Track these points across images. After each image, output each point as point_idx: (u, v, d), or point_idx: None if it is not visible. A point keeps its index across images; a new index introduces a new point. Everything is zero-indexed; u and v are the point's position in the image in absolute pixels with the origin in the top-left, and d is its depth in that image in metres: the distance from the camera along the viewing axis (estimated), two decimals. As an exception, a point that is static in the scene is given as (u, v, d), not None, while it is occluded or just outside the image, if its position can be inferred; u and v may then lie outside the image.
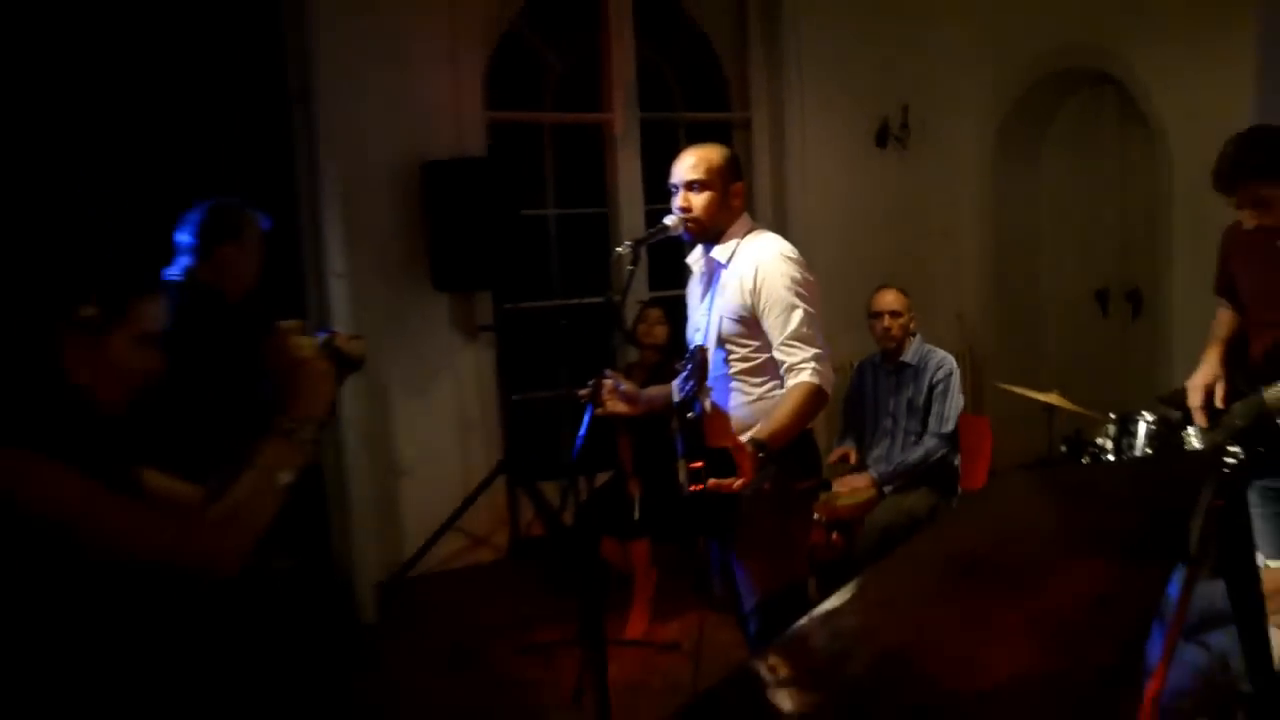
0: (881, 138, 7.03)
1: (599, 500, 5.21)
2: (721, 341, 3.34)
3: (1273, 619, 2.65)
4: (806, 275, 3.30)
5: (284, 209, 5.14)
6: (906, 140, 7.06)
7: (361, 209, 5.54)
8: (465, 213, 5.58)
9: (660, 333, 5.32)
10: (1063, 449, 5.14)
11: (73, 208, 3.24)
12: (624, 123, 6.46)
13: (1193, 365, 5.62)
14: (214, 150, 4.76)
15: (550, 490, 5.95)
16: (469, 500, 5.80)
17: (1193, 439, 3.70)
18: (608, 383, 3.41)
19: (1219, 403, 3.58)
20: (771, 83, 6.84)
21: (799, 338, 3.22)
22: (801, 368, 3.21)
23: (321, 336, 2.47)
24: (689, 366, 3.26)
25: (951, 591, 1.17)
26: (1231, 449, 3.50)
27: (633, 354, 5.64)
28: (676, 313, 5.20)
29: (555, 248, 6.50)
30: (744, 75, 6.90)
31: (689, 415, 3.33)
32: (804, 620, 1.08)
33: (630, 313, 5.60)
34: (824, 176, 6.87)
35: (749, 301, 3.26)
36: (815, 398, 3.21)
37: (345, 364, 2.42)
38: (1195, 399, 3.65)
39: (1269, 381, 3.40)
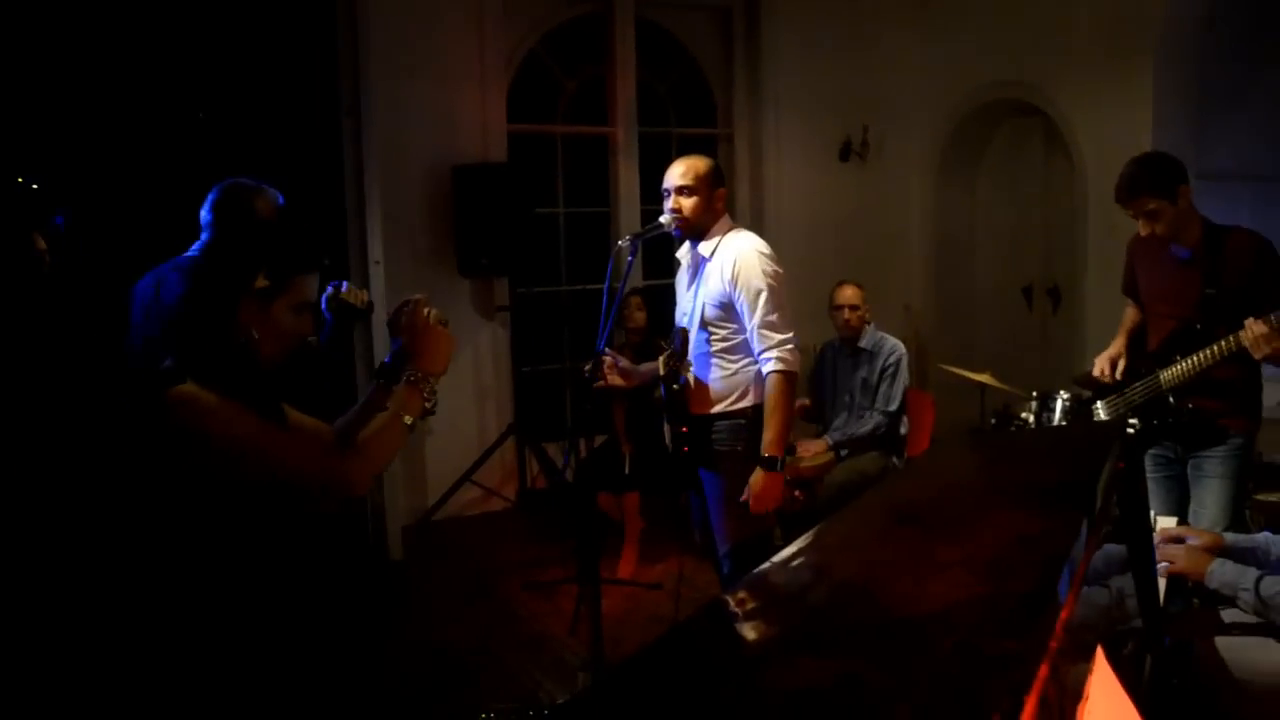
0: (844, 153, 7.05)
1: (596, 458, 5.25)
2: (704, 324, 3.39)
3: (1159, 568, 2.72)
4: (777, 269, 3.36)
5: (333, 206, 5.18)
6: (866, 156, 7.08)
7: (399, 206, 5.59)
8: (487, 210, 5.61)
9: (640, 318, 5.35)
10: (993, 421, 5.19)
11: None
12: (625, 135, 6.48)
13: (1102, 349, 5.72)
14: (274, 156, 4.77)
15: (553, 449, 6.01)
16: (484, 456, 5.85)
17: (1100, 412, 3.76)
18: (607, 360, 3.45)
19: (1119, 375, 3.63)
20: (751, 103, 6.86)
21: (769, 325, 3.28)
22: (769, 355, 3.28)
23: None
24: (675, 345, 3.31)
25: (897, 536, 1.22)
26: (1131, 421, 3.56)
27: (621, 335, 5.67)
28: (658, 300, 5.25)
29: (564, 241, 6.52)
30: (729, 96, 6.92)
31: (675, 386, 3.39)
32: (768, 562, 1.12)
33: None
34: (795, 185, 6.90)
35: (728, 290, 3.32)
36: (787, 384, 3.30)
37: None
38: (1101, 366, 3.71)
39: (1164, 365, 3.45)
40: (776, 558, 1.14)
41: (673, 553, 5.13)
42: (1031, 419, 4.60)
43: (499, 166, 5.86)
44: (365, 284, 5.20)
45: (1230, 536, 2.89)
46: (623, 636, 4.24)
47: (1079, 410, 4.43)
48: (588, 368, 3.46)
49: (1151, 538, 1.83)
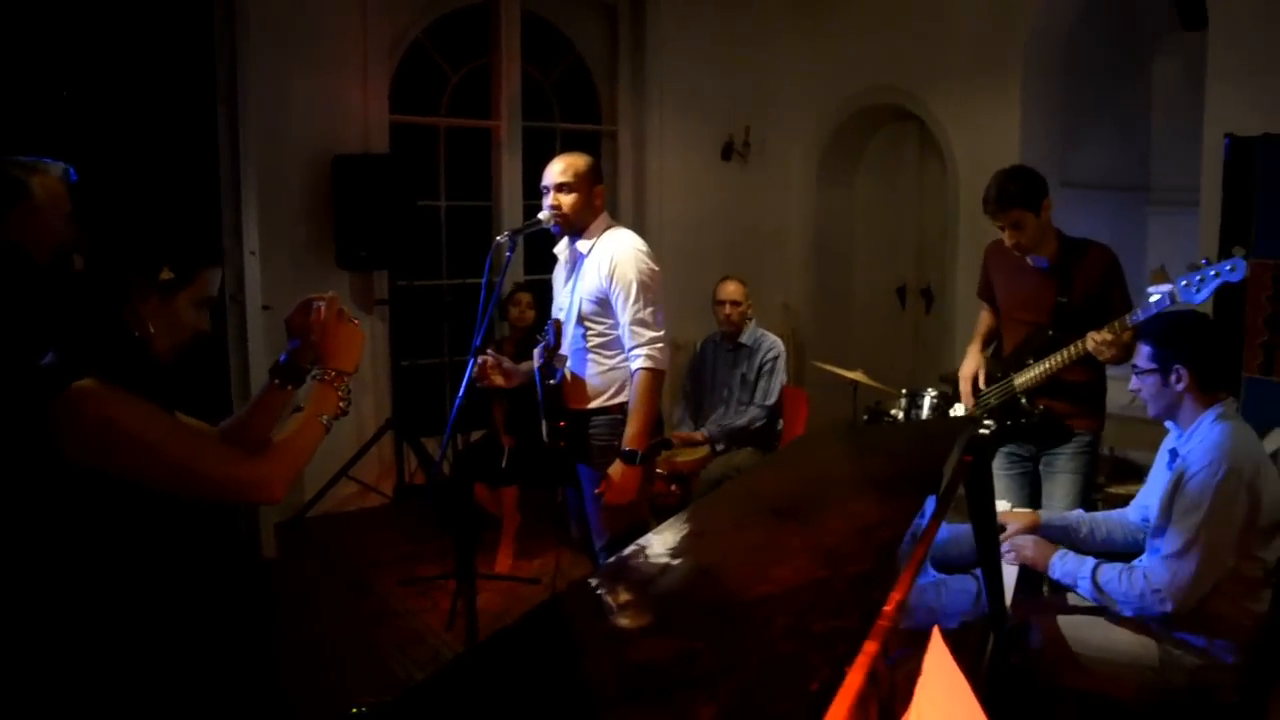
0: (726, 152, 7.18)
1: (473, 453, 5.26)
2: (581, 320, 3.44)
3: (1009, 556, 2.89)
4: (653, 267, 3.42)
5: (208, 194, 5.06)
6: (747, 156, 7.23)
7: (276, 196, 5.49)
8: (368, 202, 5.56)
9: (530, 316, 5.38)
10: (865, 417, 5.37)
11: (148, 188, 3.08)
12: (508, 128, 6.49)
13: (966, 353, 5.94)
14: (143, 139, 4.63)
15: (432, 444, 5.99)
16: (361, 451, 5.80)
17: (959, 414, 3.94)
18: (489, 360, 3.48)
19: (982, 385, 3.80)
20: (635, 101, 6.93)
21: (640, 322, 3.35)
22: (638, 352, 3.34)
23: None
24: (548, 338, 3.34)
25: (753, 525, 1.28)
26: (986, 422, 3.74)
27: (504, 329, 5.69)
28: (539, 296, 5.27)
29: (445, 234, 6.49)
30: (613, 93, 6.98)
31: (550, 382, 3.43)
32: (629, 549, 1.17)
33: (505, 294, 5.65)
34: (677, 183, 7.00)
35: (605, 286, 3.37)
36: (654, 381, 3.36)
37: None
38: (964, 386, 3.87)
39: (1017, 369, 3.64)
40: (637, 545, 1.20)
41: (550, 547, 5.18)
42: (901, 415, 4.78)
43: (380, 157, 5.80)
44: (240, 275, 5.11)
45: (1045, 514, 3.10)
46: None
47: (946, 407, 4.63)
48: (475, 373, 3.49)
49: (996, 527, 1.94)
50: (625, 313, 3.36)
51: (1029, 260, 3.63)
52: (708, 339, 5.41)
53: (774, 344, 5.18)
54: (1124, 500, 4.99)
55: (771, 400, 5.06)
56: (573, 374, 3.46)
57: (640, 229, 4.09)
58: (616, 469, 3.32)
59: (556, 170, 3.46)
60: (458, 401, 3.44)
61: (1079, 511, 3.12)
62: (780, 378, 5.13)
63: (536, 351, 3.47)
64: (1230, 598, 2.63)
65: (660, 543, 1.19)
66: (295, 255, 5.65)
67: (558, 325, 3.45)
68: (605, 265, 3.38)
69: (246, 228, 5.13)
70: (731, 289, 5.18)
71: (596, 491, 3.37)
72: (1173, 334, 2.80)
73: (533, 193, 6.42)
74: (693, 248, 6.74)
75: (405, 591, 4.83)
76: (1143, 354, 2.82)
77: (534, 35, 6.59)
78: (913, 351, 7.43)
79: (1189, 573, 2.56)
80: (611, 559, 1.15)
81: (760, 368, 5.12)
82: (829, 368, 5.43)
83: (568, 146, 6.44)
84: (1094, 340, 3.28)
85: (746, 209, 7.30)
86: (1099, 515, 3.08)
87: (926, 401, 4.72)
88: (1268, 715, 2.66)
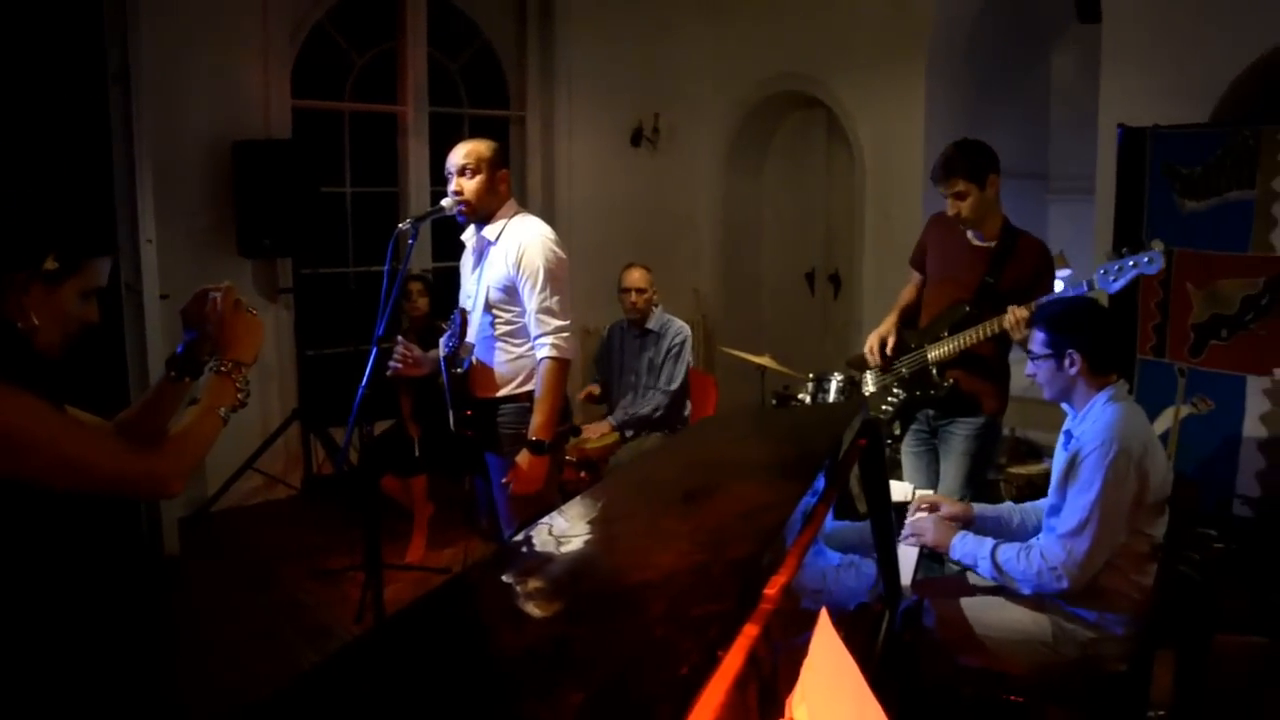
0: (636, 139, 7.18)
1: (382, 443, 5.19)
2: (489, 307, 3.40)
3: (909, 540, 2.94)
4: (561, 255, 3.40)
5: (100, 180, 4.88)
6: (657, 142, 7.24)
7: (174, 182, 5.33)
8: (270, 188, 5.44)
9: (422, 304, 5.30)
10: (773, 402, 5.43)
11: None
12: (415, 113, 6.39)
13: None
14: (30, 122, 4.46)
15: (339, 435, 5.88)
16: (267, 443, 5.68)
17: (869, 383, 3.98)
18: (407, 354, 3.45)
19: (889, 351, 3.85)
20: (544, 86, 6.88)
21: (547, 310, 3.33)
22: (544, 341, 3.32)
23: None
24: (454, 326, 3.30)
25: (643, 510, 1.28)
26: (895, 391, 3.80)
27: (404, 320, 5.59)
28: (445, 284, 5.20)
29: (351, 221, 6.37)
30: (521, 79, 6.92)
31: (457, 370, 3.40)
32: (520, 536, 1.16)
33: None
34: (586, 169, 6.98)
35: (512, 273, 3.34)
36: (559, 370, 3.34)
37: None
38: (870, 346, 3.91)
39: (932, 341, 3.70)
40: (525, 533, 1.19)
41: (460, 537, 5.14)
42: (808, 399, 4.84)
43: (283, 143, 5.67)
44: (136, 264, 4.95)
45: (978, 507, 3.15)
46: (410, 622, 4.23)
47: (851, 391, 4.69)
48: (393, 364, 3.45)
49: (890, 508, 1.97)
50: (532, 300, 3.33)
51: (969, 235, 3.68)
52: (614, 325, 5.40)
53: (680, 329, 5.19)
54: (1024, 479, 5.15)
55: (675, 385, 5.07)
56: (480, 362, 3.43)
57: (549, 215, 4.08)
58: (524, 458, 3.31)
59: (459, 155, 3.42)
60: (360, 391, 3.39)
61: (1009, 504, 3.18)
62: (686, 363, 5.14)
63: (443, 340, 3.43)
64: (1120, 572, 2.71)
65: (548, 531, 1.18)
66: (195, 243, 5.49)
67: (464, 315, 3.41)
68: (513, 253, 3.35)
69: (142, 215, 4.96)
70: (636, 276, 5.17)
71: (504, 481, 3.34)
72: (1066, 320, 2.87)
73: (440, 179, 6.35)
74: (602, 234, 6.72)
75: (314, 584, 4.74)
76: (1037, 340, 2.88)
77: (440, 19, 6.50)
78: (821, 336, 7.53)
79: (1084, 550, 2.63)
80: (497, 548, 1.14)
81: (667, 353, 5.12)
82: (736, 353, 5.46)
83: (476, 132, 6.36)
84: (1014, 315, 3.33)
85: (656, 195, 7.30)
86: (1027, 505, 3.15)
87: (833, 385, 4.77)
88: (1152, 681, 2.76)
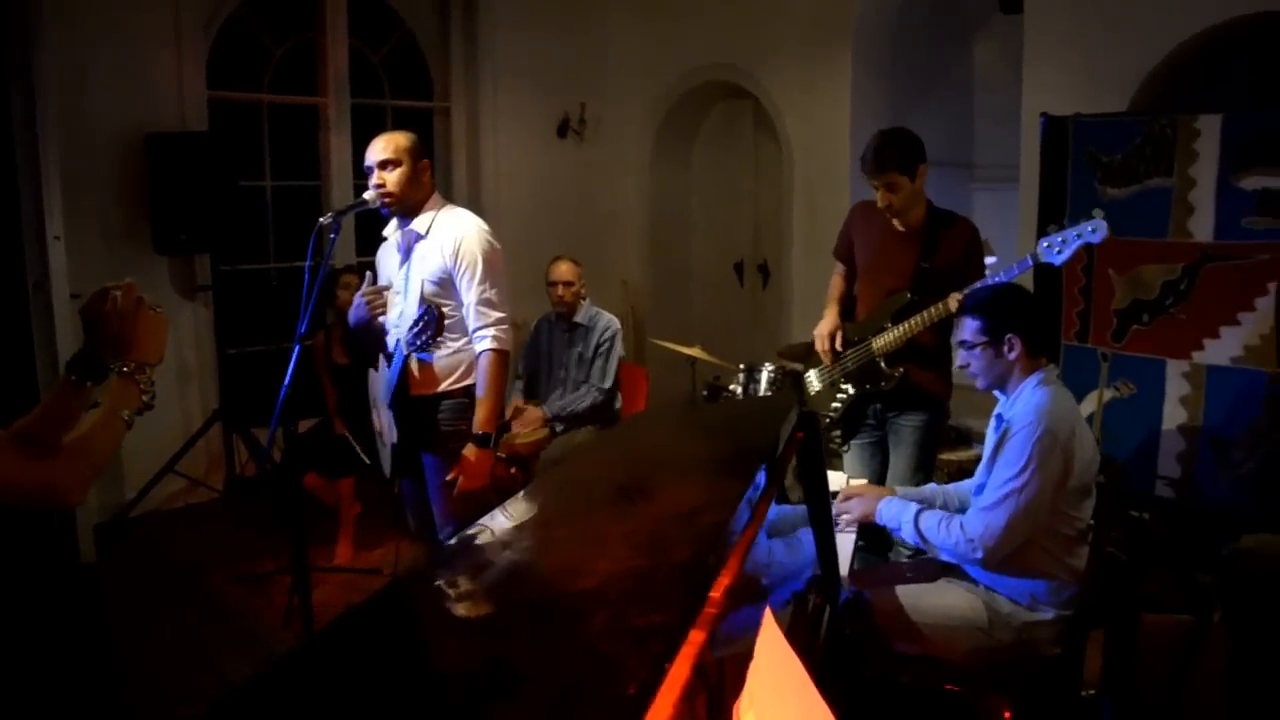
0: (562, 130, 7.11)
1: (306, 442, 5.06)
2: (425, 302, 3.32)
3: (841, 522, 2.94)
4: (497, 246, 3.36)
5: (3, 176, 4.68)
6: (583, 133, 7.17)
7: (83, 176, 5.12)
8: (186, 182, 5.26)
9: (347, 297, 5.16)
10: (704, 393, 5.41)
11: None
12: (336, 105, 6.24)
13: (808, 323, 6.03)
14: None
15: (263, 434, 5.72)
16: (187, 445, 5.50)
17: (814, 381, 3.96)
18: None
19: (839, 346, 3.81)
20: (469, 77, 6.77)
21: (487, 303, 3.28)
22: (484, 333, 3.26)
23: None
24: (423, 321, 3.15)
25: (580, 511, 1.23)
26: (844, 386, 3.78)
27: (331, 314, 5.44)
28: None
29: (271, 216, 6.19)
30: (445, 69, 6.80)
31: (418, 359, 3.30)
32: (451, 542, 1.11)
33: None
34: (512, 161, 6.89)
35: (449, 265, 3.28)
36: (501, 363, 3.31)
37: None
38: (821, 344, 3.85)
39: (875, 333, 3.69)
40: (460, 537, 1.13)
41: (389, 537, 5.05)
42: (740, 390, 4.82)
43: (198, 135, 5.49)
44: (44, 262, 4.75)
45: (901, 490, 3.16)
46: (339, 626, 4.12)
47: (783, 381, 4.68)
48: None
49: (829, 501, 1.95)
50: (471, 293, 3.28)
51: (895, 222, 3.67)
52: (542, 319, 5.33)
53: (610, 323, 5.14)
54: (955, 465, 5.20)
55: (608, 382, 5.03)
56: (418, 359, 3.34)
57: (475, 208, 3.99)
58: (470, 452, 3.25)
59: (379, 148, 3.34)
60: (284, 390, 3.29)
61: (931, 485, 3.19)
62: (617, 358, 5.09)
63: (405, 336, 3.28)
64: (1051, 555, 2.74)
65: (481, 535, 1.13)
66: (108, 240, 5.30)
67: (438, 311, 3.22)
68: (449, 244, 3.29)
69: (49, 211, 4.76)
70: (564, 269, 5.10)
71: (449, 478, 3.27)
72: (1000, 305, 2.88)
73: (363, 172, 6.24)
74: (529, 227, 6.64)
75: (239, 590, 4.60)
76: (970, 328, 2.88)
77: (361, 9, 6.34)
78: (751, 326, 7.53)
79: (1000, 524, 2.65)
80: (428, 555, 1.08)
81: (597, 348, 5.07)
82: (667, 344, 5.43)
83: (399, 124, 6.25)
84: (958, 300, 3.33)
85: (583, 187, 7.24)
86: (949, 486, 3.16)
87: (764, 376, 4.76)
88: (1085, 662, 2.79)
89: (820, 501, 1.89)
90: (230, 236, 5.50)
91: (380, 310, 3.43)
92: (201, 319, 5.73)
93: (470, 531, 1.13)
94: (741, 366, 4.84)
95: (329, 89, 6.20)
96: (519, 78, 6.83)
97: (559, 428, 4.97)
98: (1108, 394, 4.51)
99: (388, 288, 3.45)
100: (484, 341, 3.26)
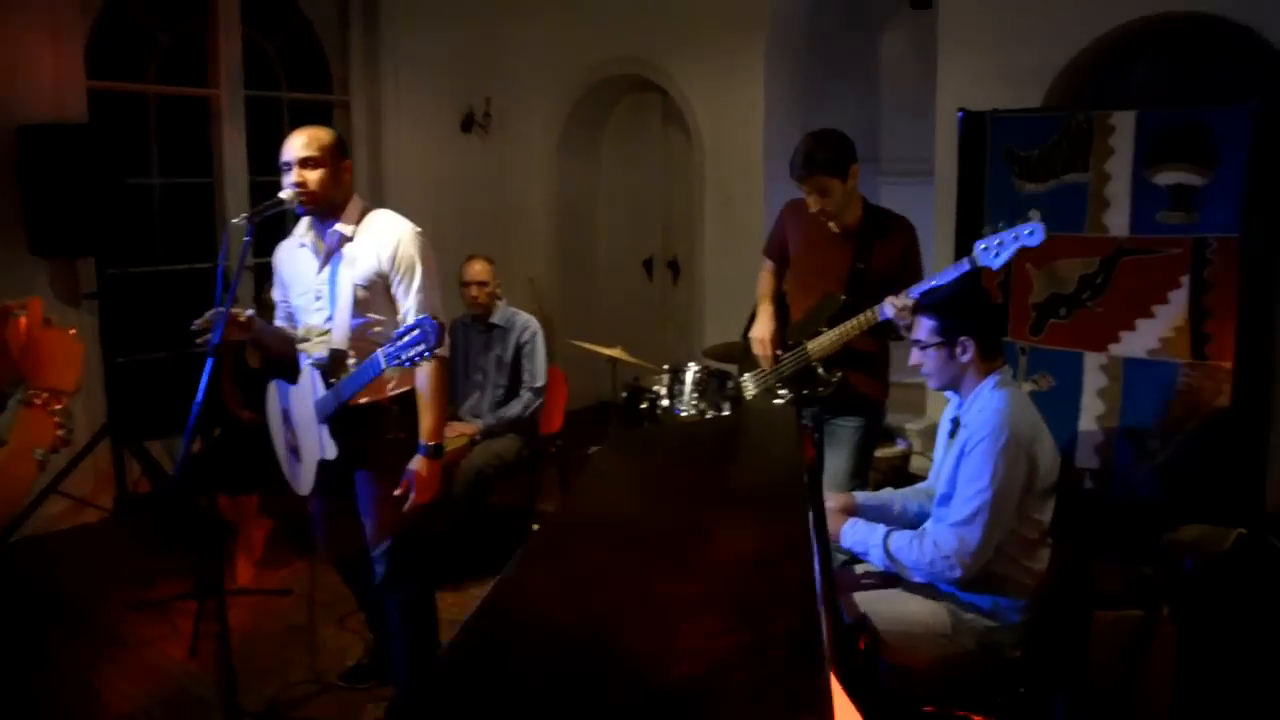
0: (467, 124, 6.88)
1: (207, 456, 4.74)
2: (357, 308, 3.10)
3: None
4: (429, 248, 3.15)
5: None
6: (489, 128, 6.95)
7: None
8: (65, 179, 4.86)
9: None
10: (624, 395, 5.26)
11: None
12: (229, 98, 5.89)
13: (722, 319, 5.93)
14: None
15: (156, 449, 5.38)
16: (73, 462, 5.09)
17: (749, 385, 3.84)
18: (213, 313, 3.04)
19: (775, 350, 3.70)
20: (369, 69, 6.48)
21: (427, 308, 3.10)
22: None
23: None
24: (419, 334, 2.79)
25: (623, 564, 1.07)
26: (781, 391, 3.68)
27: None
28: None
29: (160, 216, 5.81)
30: (344, 61, 6.50)
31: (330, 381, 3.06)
32: (477, 616, 0.94)
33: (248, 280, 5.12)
34: (415, 156, 6.64)
35: (385, 270, 3.08)
36: (443, 369, 3.12)
37: None
38: (763, 349, 3.72)
39: (810, 336, 3.59)
40: (485, 606, 0.96)
41: (293, 554, 4.79)
42: (664, 392, 4.69)
43: (78, 128, 5.08)
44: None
45: (861, 496, 3.08)
46: (254, 652, 3.86)
47: (710, 382, 4.57)
48: (199, 323, 3.04)
49: (825, 519, 1.83)
50: (410, 298, 3.09)
51: (831, 226, 3.57)
52: (456, 321, 5.09)
53: (528, 322, 4.95)
54: (886, 463, 5.18)
55: (540, 382, 4.85)
56: (355, 367, 3.10)
57: (377, 205, 3.74)
58: (421, 465, 3.06)
59: (299, 144, 3.09)
60: (197, 402, 3.02)
61: (889, 491, 3.11)
62: (542, 355, 4.91)
63: (389, 350, 2.92)
64: (1012, 560, 2.68)
65: (523, 598, 0.96)
66: (-24, 242, 4.88)
67: (440, 324, 2.92)
68: (385, 248, 3.08)
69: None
70: (478, 269, 4.89)
71: (397, 493, 3.05)
72: (955, 305, 2.82)
73: (260, 168, 5.94)
74: (433, 224, 6.23)
75: (137, 618, 4.25)
76: (925, 328, 2.81)
77: (254, -3, 6.01)
78: (662, 324, 7.43)
79: (976, 538, 2.58)
80: (472, 623, 0.91)
81: (518, 349, 4.88)
82: (587, 345, 5.27)
83: (296, 118, 5.95)
84: (894, 305, 3.25)
85: (489, 183, 7.03)
86: (907, 490, 3.08)
87: (689, 377, 4.63)
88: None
89: (819, 522, 1.77)
90: (117, 238, 5.11)
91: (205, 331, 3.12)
92: (87, 327, 5.31)
93: (505, 590, 0.96)
94: (666, 368, 4.71)
95: (221, 80, 5.85)
96: (421, 70, 6.57)
97: (477, 436, 4.76)
98: (1026, 387, 4.54)
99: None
100: None
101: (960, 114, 4.79)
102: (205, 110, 5.91)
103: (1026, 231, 3.18)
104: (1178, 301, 4.24)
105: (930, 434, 6.00)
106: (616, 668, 0.81)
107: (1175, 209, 4.24)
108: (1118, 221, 4.39)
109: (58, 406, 1.69)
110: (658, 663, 0.80)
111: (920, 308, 2.87)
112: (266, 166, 6.06)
